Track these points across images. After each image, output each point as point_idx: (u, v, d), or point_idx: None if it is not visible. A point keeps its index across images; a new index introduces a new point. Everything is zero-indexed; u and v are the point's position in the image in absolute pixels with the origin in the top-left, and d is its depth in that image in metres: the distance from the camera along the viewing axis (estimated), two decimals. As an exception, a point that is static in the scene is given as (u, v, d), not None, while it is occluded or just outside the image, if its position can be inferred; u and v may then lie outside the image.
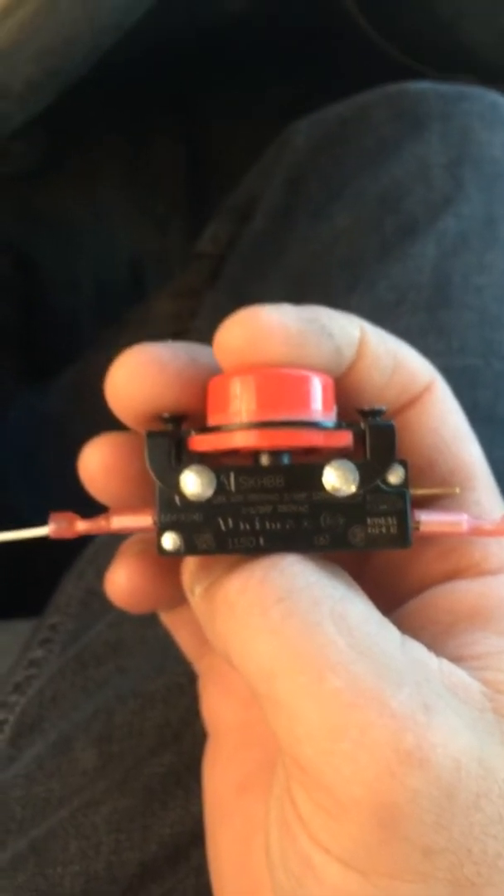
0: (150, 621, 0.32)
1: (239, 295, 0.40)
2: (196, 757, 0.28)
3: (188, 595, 0.19)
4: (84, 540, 0.31)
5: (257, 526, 0.18)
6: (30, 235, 0.81)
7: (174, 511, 0.18)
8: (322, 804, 0.16)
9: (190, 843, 0.26)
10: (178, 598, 0.21)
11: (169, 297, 0.50)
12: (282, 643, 0.16)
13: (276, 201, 0.41)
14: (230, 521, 0.18)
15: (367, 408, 0.19)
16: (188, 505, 0.18)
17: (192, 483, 0.18)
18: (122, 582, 0.21)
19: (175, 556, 0.18)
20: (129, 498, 0.20)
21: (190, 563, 0.19)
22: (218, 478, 0.18)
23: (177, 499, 0.18)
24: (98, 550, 0.36)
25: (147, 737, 0.29)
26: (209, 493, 0.18)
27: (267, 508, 0.18)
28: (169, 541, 0.18)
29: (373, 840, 0.15)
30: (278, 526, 0.18)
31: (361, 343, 0.19)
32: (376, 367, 0.19)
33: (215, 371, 0.19)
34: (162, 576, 0.21)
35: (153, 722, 0.29)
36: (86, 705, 0.31)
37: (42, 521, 0.20)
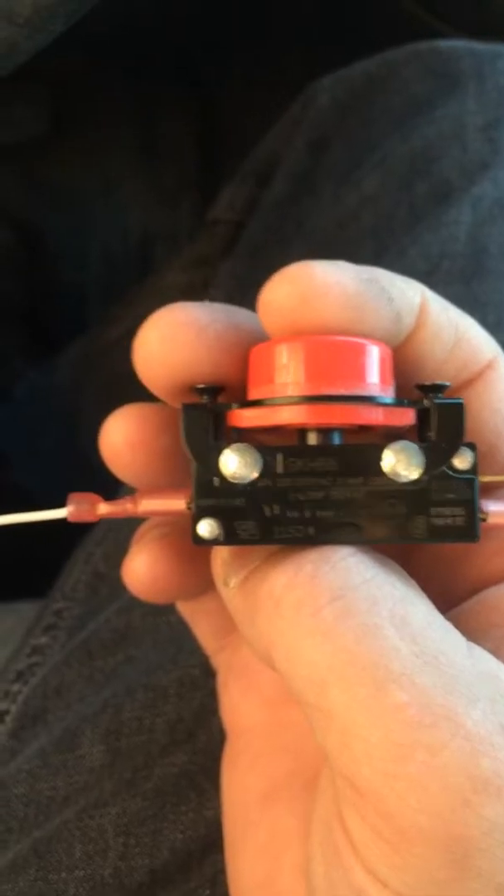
0: (161, 609, 0.30)
1: (258, 263, 0.38)
2: (211, 757, 0.26)
3: (219, 586, 0.17)
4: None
5: (307, 513, 0.16)
6: (36, 208, 0.79)
7: (212, 494, 0.16)
8: (381, 832, 0.14)
9: (204, 851, 0.24)
10: (200, 587, 0.19)
11: (181, 267, 0.48)
12: (336, 648, 0.14)
13: (298, 164, 0.39)
14: (276, 508, 0.16)
15: (428, 383, 0.16)
16: (229, 488, 0.16)
17: (234, 463, 0.16)
18: (142, 570, 0.19)
19: (212, 546, 0.16)
20: (156, 477, 0.18)
21: (223, 551, 0.17)
22: (263, 458, 0.16)
23: (216, 481, 0.16)
24: (108, 531, 0.34)
25: (158, 733, 0.27)
26: (253, 475, 0.16)
27: (318, 494, 0.16)
28: (206, 528, 0.16)
29: (440, 876, 0.13)
30: (331, 514, 0.16)
31: (422, 311, 0.17)
32: (437, 339, 0.17)
33: (257, 338, 0.17)
34: (185, 563, 0.19)
35: (165, 717, 0.27)
36: (93, 697, 0.29)
37: (57, 503, 0.18)
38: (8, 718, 0.31)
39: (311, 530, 0.16)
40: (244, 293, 0.36)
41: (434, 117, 0.36)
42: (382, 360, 0.16)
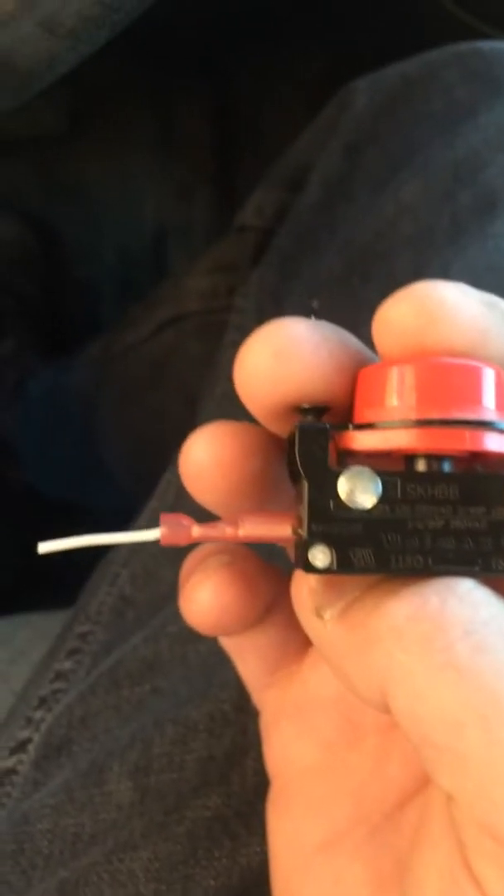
0: (191, 638, 0.29)
1: (289, 272, 0.37)
2: (245, 801, 0.24)
3: (305, 617, 0.16)
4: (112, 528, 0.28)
5: (427, 543, 0.15)
6: (51, 204, 0.78)
7: (328, 520, 0.15)
8: None
9: (240, 901, 0.23)
10: (256, 620, 0.18)
11: (205, 271, 0.47)
12: (474, 686, 0.13)
13: (333, 170, 0.37)
14: (395, 536, 0.15)
15: None
16: (345, 513, 0.15)
17: (354, 488, 0.15)
18: (209, 600, 0.18)
19: (324, 574, 0.15)
20: (241, 503, 0.17)
21: (311, 580, 0.16)
22: (383, 483, 0.15)
23: (331, 505, 0.15)
24: (132, 552, 0.33)
25: (189, 771, 0.26)
26: (372, 501, 0.15)
27: (438, 523, 0.15)
28: (320, 555, 0.15)
29: None
30: (452, 545, 0.15)
31: None
32: None
33: (363, 359, 0.16)
34: (249, 593, 0.18)
35: (195, 755, 0.26)
36: (119, 730, 0.28)
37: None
38: (31, 747, 0.29)
39: (430, 561, 0.15)
40: (276, 303, 0.35)
41: (479, 123, 0.34)
42: (500, 386, 0.15)
